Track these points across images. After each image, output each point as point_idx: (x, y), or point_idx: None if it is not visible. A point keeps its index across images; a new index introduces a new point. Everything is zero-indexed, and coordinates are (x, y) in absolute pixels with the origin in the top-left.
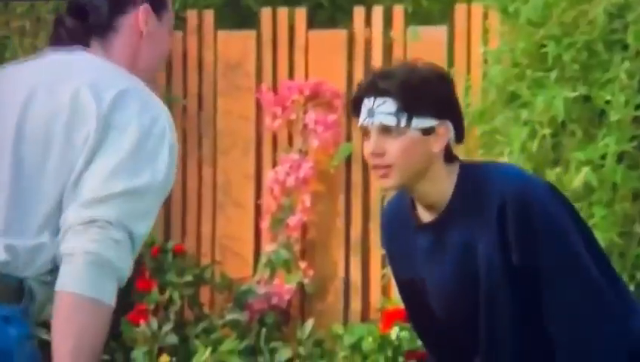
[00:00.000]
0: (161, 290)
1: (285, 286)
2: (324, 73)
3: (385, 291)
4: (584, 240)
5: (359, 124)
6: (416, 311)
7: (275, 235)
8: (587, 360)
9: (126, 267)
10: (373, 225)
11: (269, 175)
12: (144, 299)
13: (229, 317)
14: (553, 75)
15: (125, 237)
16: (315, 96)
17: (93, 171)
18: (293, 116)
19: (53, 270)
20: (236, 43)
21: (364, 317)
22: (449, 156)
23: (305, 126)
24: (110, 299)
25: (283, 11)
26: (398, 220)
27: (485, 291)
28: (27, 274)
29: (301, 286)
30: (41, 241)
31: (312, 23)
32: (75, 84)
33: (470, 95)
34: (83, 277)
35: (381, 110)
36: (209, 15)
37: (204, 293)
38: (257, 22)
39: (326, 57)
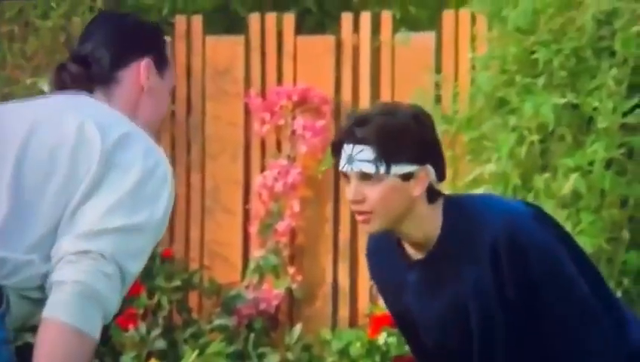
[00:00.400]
0: (150, 295)
1: (273, 292)
2: (312, 79)
3: (373, 297)
4: (576, 261)
5: (340, 168)
6: (410, 336)
7: (264, 241)
8: None
9: (114, 302)
10: (362, 231)
11: (257, 180)
12: (133, 304)
13: (218, 322)
14: (541, 81)
15: (117, 272)
16: (303, 102)
17: (92, 205)
18: (281, 122)
19: (35, 289)
20: (224, 48)
21: (352, 322)
22: (432, 196)
23: (293, 132)
24: (95, 331)
25: (271, 17)
26: (386, 256)
27: (479, 322)
28: (7, 283)
29: (289, 291)
30: (30, 258)
31: (300, 29)
32: (81, 117)
33: (458, 101)
34: (70, 306)
35: (360, 157)
36: (197, 20)
37: (193, 298)
38: (245, 27)
39: (314, 63)
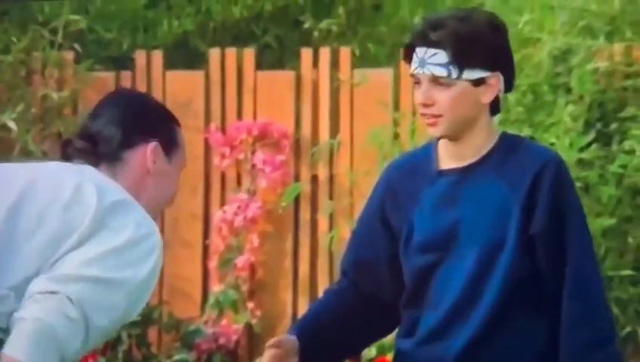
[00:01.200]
0: None
1: (233, 327)
2: (272, 114)
3: None
4: None
5: (410, 72)
6: (392, 266)
7: (223, 275)
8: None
9: (73, 347)
10: (321, 265)
11: (217, 214)
12: None
13: (177, 357)
14: (498, 117)
15: (81, 318)
16: (263, 137)
17: (74, 255)
18: (241, 156)
19: (3, 328)
20: (185, 83)
21: None
22: (496, 107)
23: (253, 166)
24: None
25: (231, 52)
26: (411, 168)
27: (487, 241)
28: None
29: (249, 326)
30: (7, 293)
31: (260, 64)
32: (80, 178)
33: (416, 137)
34: (24, 343)
35: (432, 61)
36: (157, 55)
37: (152, 333)
38: (206, 62)
39: (274, 98)
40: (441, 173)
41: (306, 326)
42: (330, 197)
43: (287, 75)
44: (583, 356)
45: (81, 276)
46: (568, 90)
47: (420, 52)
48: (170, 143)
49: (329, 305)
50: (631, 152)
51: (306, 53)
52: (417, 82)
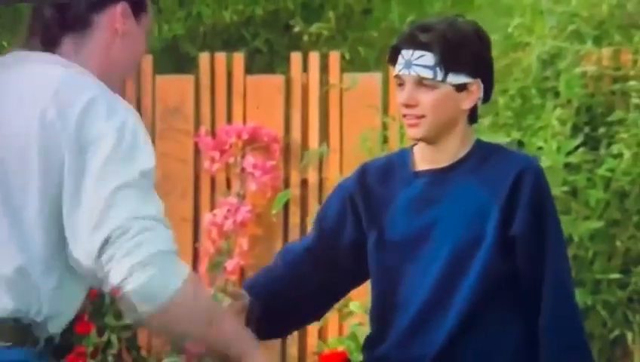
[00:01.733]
0: (100, 333)
1: None
2: (262, 118)
3: (321, 335)
4: None
5: (395, 73)
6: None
7: (213, 278)
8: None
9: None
10: None
11: (206, 218)
12: (82, 342)
13: (167, 360)
14: (487, 121)
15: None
16: (253, 141)
17: (83, 202)
18: (231, 160)
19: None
20: (174, 87)
21: (301, 360)
22: (473, 116)
23: (243, 170)
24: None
25: (221, 56)
26: (385, 171)
27: (459, 243)
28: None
29: None
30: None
31: (249, 69)
32: (41, 104)
33: (405, 141)
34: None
35: (419, 62)
36: (147, 60)
37: (142, 336)
38: (196, 67)
39: (264, 102)
40: (417, 175)
41: (260, 285)
42: (320, 202)
43: (276, 80)
44: (566, 358)
45: (108, 199)
46: (556, 94)
47: (406, 54)
48: (138, 3)
49: (285, 267)
50: (619, 156)
51: (296, 58)
52: (401, 84)
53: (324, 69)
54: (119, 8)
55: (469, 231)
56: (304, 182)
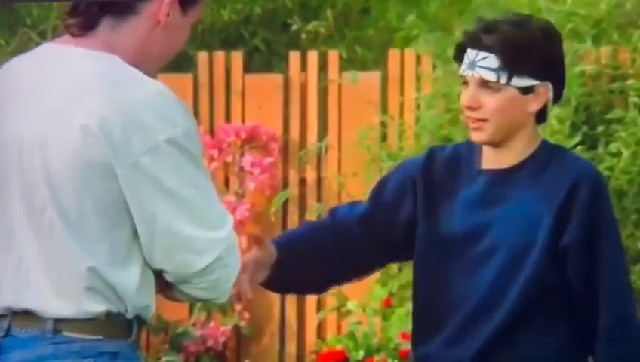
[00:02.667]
0: None
1: (221, 329)
2: (260, 116)
3: (320, 333)
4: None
5: (459, 72)
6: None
7: None
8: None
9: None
10: None
11: None
12: None
13: (165, 359)
14: None
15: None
16: (251, 139)
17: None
18: (229, 159)
19: None
20: (173, 86)
21: (300, 359)
22: (542, 117)
23: (241, 168)
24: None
25: (219, 55)
26: (456, 163)
27: (514, 246)
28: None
29: (237, 328)
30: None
31: (248, 67)
32: (83, 120)
33: (404, 139)
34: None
35: (482, 64)
36: None
37: (141, 335)
38: (194, 65)
39: (262, 101)
40: (481, 173)
41: (289, 243)
42: (319, 200)
43: (275, 78)
44: None
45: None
46: None
47: (471, 54)
48: None
49: (318, 231)
50: (617, 155)
51: (294, 56)
52: (465, 83)
53: (322, 67)
54: (166, 0)
55: (521, 237)
56: (302, 181)
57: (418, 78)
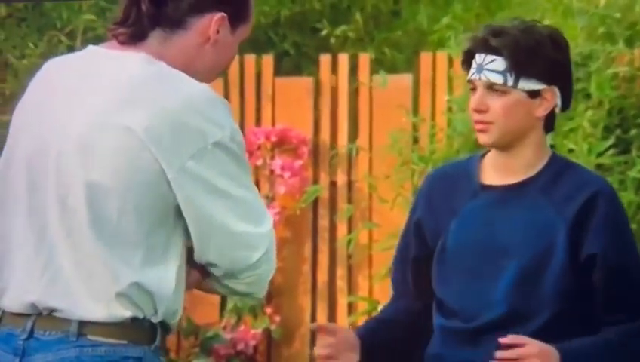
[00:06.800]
0: None
1: (251, 332)
2: (290, 120)
3: None
4: None
5: (468, 78)
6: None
7: None
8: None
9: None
10: (340, 271)
11: None
12: None
13: None
14: None
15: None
16: (281, 143)
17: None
18: (259, 162)
19: None
20: None
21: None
22: (550, 123)
23: (272, 172)
24: None
25: (250, 58)
26: (452, 181)
27: (532, 261)
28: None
29: (267, 331)
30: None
31: (278, 71)
32: (128, 123)
33: (435, 142)
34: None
35: (489, 67)
36: None
37: (171, 339)
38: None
39: (293, 104)
40: (484, 188)
41: (368, 327)
42: (349, 203)
43: (305, 82)
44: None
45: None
46: (588, 96)
47: (478, 58)
48: (239, 16)
49: (385, 312)
50: None
51: (325, 59)
52: (473, 88)
53: (353, 70)
54: (217, 17)
55: (534, 249)
56: (333, 184)
57: (450, 81)
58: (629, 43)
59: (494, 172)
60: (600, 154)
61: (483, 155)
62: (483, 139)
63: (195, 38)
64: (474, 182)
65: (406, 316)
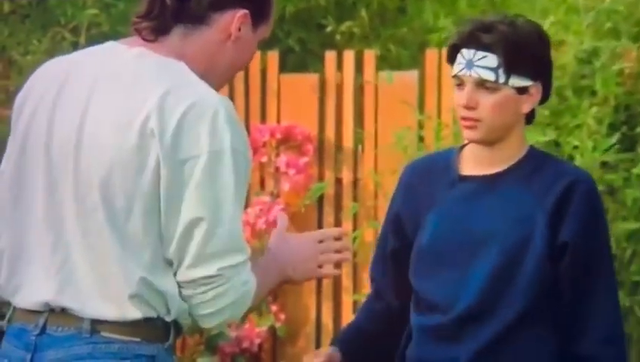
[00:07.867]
0: None
1: (256, 330)
2: (296, 117)
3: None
4: None
5: (454, 73)
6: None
7: None
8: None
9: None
10: (345, 268)
11: None
12: None
13: (200, 360)
14: None
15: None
16: (286, 139)
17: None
18: (264, 159)
19: None
20: None
21: None
22: (531, 117)
23: (276, 169)
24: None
25: (255, 55)
26: (430, 172)
27: (512, 248)
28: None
29: (273, 329)
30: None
31: (283, 67)
32: (142, 122)
33: (441, 139)
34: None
35: (481, 64)
36: None
37: None
38: None
39: (298, 101)
40: (463, 179)
41: (348, 340)
42: (355, 200)
43: (311, 78)
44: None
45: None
46: (593, 93)
47: (467, 53)
48: (260, 14)
49: (364, 318)
50: None
51: (330, 56)
52: (460, 84)
53: (358, 67)
54: (240, 13)
55: (513, 237)
56: (338, 181)
57: None
58: (635, 39)
59: (474, 163)
60: (605, 152)
61: (462, 147)
62: (470, 135)
63: (216, 34)
64: (452, 172)
65: (384, 323)
